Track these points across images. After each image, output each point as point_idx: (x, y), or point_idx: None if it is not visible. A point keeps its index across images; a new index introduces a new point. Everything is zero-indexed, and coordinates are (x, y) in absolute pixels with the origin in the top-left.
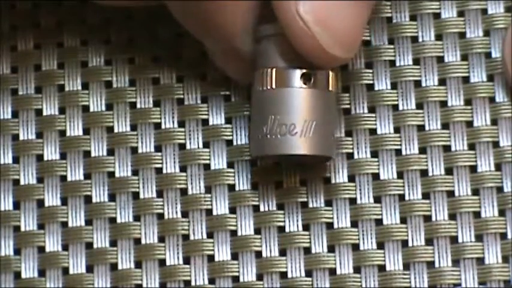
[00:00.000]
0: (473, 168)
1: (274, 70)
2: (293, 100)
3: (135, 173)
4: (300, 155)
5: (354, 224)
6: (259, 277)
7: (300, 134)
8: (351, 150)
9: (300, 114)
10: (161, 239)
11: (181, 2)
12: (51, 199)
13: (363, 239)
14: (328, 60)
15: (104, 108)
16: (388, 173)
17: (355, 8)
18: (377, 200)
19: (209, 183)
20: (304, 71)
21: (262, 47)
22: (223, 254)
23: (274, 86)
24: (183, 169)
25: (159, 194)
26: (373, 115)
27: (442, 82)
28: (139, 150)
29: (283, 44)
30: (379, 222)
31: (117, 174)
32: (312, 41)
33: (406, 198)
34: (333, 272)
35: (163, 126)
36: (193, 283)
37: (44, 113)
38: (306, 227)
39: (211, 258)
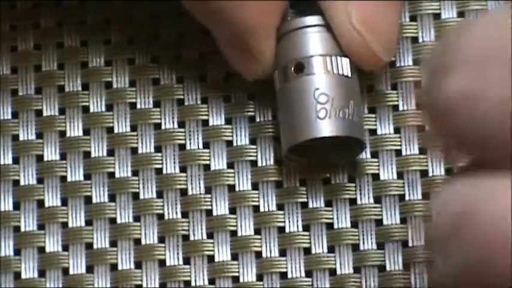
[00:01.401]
0: None
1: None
2: (345, 85)
3: (135, 173)
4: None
5: (354, 224)
6: (259, 277)
7: (352, 116)
8: None
9: (351, 97)
10: (161, 240)
11: None
12: (51, 199)
13: (363, 239)
14: (375, 63)
15: (104, 108)
16: (388, 174)
17: (396, 10)
18: (377, 200)
19: (209, 183)
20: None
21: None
22: (223, 254)
23: (340, 72)
24: (183, 169)
25: (159, 194)
26: (373, 116)
27: None
28: (140, 151)
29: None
30: (379, 222)
31: (117, 175)
32: (365, 48)
33: (406, 198)
34: (333, 272)
35: (163, 127)
36: (193, 283)
37: (44, 114)
38: (306, 228)
39: (211, 258)
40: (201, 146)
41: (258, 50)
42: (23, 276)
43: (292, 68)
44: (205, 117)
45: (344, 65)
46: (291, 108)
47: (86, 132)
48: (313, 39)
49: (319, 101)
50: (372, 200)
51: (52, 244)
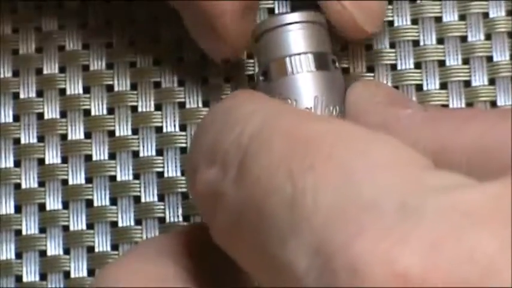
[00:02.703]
0: None
1: (310, 55)
2: (333, 82)
3: (136, 176)
4: None
5: None
6: None
7: (341, 115)
8: None
9: (340, 96)
10: None
11: None
12: (53, 203)
13: None
14: (360, 34)
15: (105, 112)
16: None
17: None
18: None
19: None
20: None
21: (274, 39)
22: None
23: (313, 69)
24: (184, 173)
25: (161, 197)
26: None
27: (444, 86)
28: (141, 154)
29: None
30: None
31: (118, 178)
32: (349, 19)
33: None
34: None
35: (164, 130)
36: None
37: (46, 117)
38: None
39: None
40: None
41: (223, 30)
42: (24, 279)
43: (260, 76)
44: None
45: (309, 62)
46: None
47: (87, 135)
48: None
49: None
50: None
51: (53, 247)
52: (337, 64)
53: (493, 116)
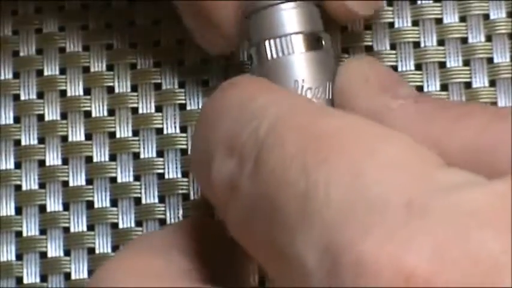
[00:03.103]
0: None
1: (300, 35)
2: (319, 63)
3: (137, 178)
4: None
5: None
6: (261, 281)
7: (325, 96)
8: None
9: (324, 77)
10: None
11: None
12: (53, 204)
13: None
14: (350, 16)
15: (105, 113)
16: None
17: None
18: None
19: None
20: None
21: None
22: None
23: (301, 50)
24: (185, 175)
25: (161, 199)
26: None
27: (445, 87)
28: (141, 156)
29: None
30: None
31: (119, 180)
32: (340, 4)
33: None
34: None
35: (165, 132)
36: None
37: (46, 118)
38: None
39: None
40: None
41: (217, 21)
42: (25, 281)
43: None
44: None
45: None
46: None
47: (88, 136)
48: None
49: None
50: None
51: (54, 249)
52: (324, 43)
53: (487, 116)
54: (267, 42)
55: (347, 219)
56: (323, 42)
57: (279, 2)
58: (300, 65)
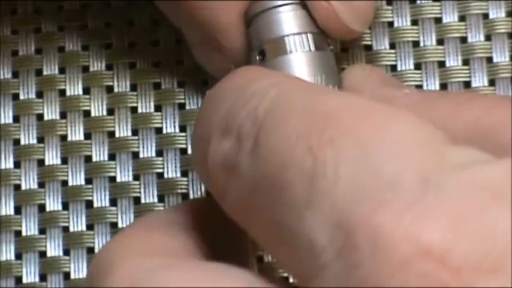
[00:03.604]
0: None
1: (309, 35)
2: (328, 63)
3: (136, 177)
4: None
5: None
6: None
7: None
8: None
9: (326, 77)
10: None
11: None
12: (52, 204)
13: None
14: (346, 33)
15: (105, 113)
16: None
17: None
18: None
19: None
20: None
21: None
22: None
23: (312, 49)
24: (184, 174)
25: (161, 199)
26: None
27: (444, 87)
28: (141, 155)
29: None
30: None
31: (118, 179)
32: (334, 16)
33: None
34: None
35: (164, 131)
36: None
37: (45, 118)
38: None
39: None
40: None
41: (229, 47)
42: (24, 280)
43: (257, 56)
44: None
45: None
46: None
47: (87, 136)
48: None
49: None
50: None
51: (53, 248)
52: (331, 47)
53: (489, 100)
54: (269, 43)
55: (359, 195)
56: (328, 43)
57: (278, 4)
58: (303, 64)
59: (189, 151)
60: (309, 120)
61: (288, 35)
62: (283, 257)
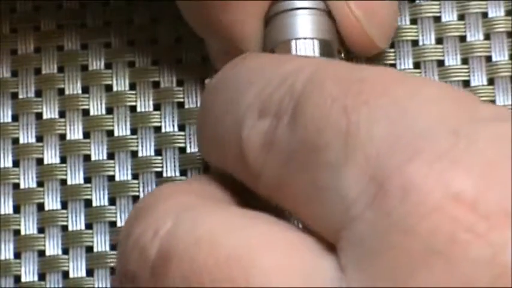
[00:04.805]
0: None
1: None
2: None
3: (135, 176)
4: None
5: None
6: None
7: None
8: None
9: None
10: None
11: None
12: (51, 203)
13: None
14: (372, 49)
15: (104, 111)
16: None
17: (394, 3)
18: None
19: None
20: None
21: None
22: None
23: (317, 55)
24: (183, 173)
25: None
26: None
27: None
28: (140, 154)
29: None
30: None
31: (117, 178)
32: (362, 33)
33: None
34: None
35: (163, 130)
36: None
37: (44, 117)
38: None
39: None
40: None
41: (241, 38)
42: (23, 279)
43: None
44: None
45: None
46: None
47: (86, 135)
48: (301, 21)
49: None
50: None
51: (52, 247)
52: (342, 55)
53: None
54: (279, 45)
55: (392, 149)
56: (339, 51)
57: (296, 7)
58: None
59: (188, 150)
60: (344, 84)
61: (295, 39)
62: (314, 216)
